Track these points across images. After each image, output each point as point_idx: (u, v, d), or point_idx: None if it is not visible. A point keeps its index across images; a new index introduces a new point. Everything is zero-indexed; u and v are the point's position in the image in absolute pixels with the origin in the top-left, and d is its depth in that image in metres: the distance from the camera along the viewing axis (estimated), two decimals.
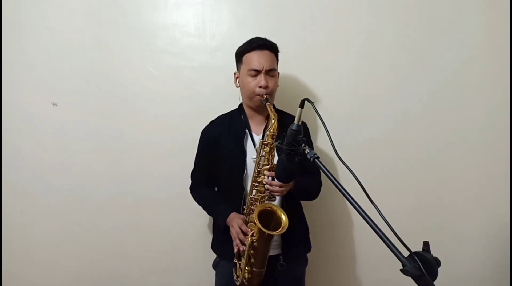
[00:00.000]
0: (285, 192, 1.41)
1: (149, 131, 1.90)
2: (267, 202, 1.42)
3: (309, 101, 1.08)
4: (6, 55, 1.87)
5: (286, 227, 1.34)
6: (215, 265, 1.66)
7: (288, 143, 1.09)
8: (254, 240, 1.34)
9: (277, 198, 1.46)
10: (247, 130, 1.54)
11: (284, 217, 1.37)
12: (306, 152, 1.03)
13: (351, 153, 1.90)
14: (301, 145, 1.06)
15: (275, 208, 1.40)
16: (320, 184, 1.61)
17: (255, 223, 1.35)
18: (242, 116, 1.58)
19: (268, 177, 1.39)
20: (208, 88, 1.87)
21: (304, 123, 1.59)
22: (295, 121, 1.09)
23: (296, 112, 1.10)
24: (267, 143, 1.39)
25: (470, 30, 1.87)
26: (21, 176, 1.93)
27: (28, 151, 1.92)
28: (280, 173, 1.26)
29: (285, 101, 1.74)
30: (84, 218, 1.95)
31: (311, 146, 1.64)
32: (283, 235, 1.43)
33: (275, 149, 1.40)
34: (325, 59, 1.87)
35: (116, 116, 1.90)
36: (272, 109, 1.42)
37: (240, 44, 1.54)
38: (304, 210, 1.67)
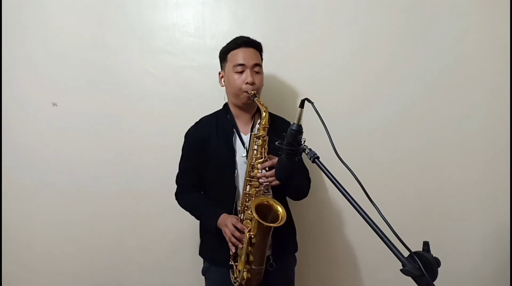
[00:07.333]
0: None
1: (149, 131, 1.90)
2: (262, 196, 1.41)
3: (309, 101, 1.08)
4: (6, 54, 1.88)
5: (285, 218, 1.32)
6: (204, 271, 1.59)
7: (288, 143, 1.09)
8: (252, 236, 1.32)
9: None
10: (235, 130, 1.51)
11: (281, 210, 1.35)
12: (306, 152, 1.03)
13: (350, 153, 1.90)
14: (301, 145, 1.06)
15: (271, 201, 1.39)
16: (309, 181, 1.59)
17: (251, 220, 1.34)
18: (228, 115, 1.55)
19: (261, 170, 1.38)
20: (208, 88, 1.86)
21: (288, 122, 1.57)
22: (295, 121, 1.08)
23: (293, 111, 1.09)
24: (259, 136, 1.39)
25: (468, 26, 1.86)
26: (21, 176, 1.93)
27: (28, 150, 1.92)
28: (280, 173, 1.26)
29: (285, 100, 1.74)
30: (84, 218, 1.95)
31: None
32: (273, 235, 1.41)
33: (267, 141, 1.39)
34: (325, 58, 1.87)
35: (116, 116, 1.90)
36: (262, 103, 1.41)
37: None
38: (292, 210, 1.64)
